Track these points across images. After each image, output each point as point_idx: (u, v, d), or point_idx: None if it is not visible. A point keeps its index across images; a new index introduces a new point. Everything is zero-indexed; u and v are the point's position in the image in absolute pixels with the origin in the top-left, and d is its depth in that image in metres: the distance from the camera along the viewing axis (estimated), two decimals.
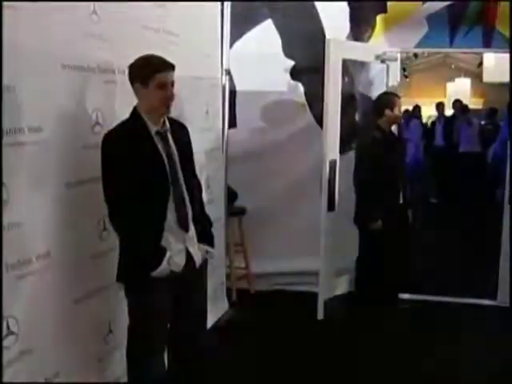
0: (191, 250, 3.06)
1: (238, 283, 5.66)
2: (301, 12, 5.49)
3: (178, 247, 3.00)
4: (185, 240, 3.03)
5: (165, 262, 2.90)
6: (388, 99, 5.08)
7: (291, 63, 5.67)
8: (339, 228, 5.16)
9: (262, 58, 5.49)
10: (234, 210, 5.57)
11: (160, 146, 2.97)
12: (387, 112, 5.01)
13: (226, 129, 5.22)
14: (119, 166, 2.84)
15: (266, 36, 5.58)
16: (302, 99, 5.73)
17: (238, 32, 5.40)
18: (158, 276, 2.89)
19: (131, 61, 3.00)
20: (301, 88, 5.75)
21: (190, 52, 4.25)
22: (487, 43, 5.69)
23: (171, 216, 2.96)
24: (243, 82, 5.62)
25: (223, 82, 5.12)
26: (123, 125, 2.97)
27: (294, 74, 5.71)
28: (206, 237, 3.18)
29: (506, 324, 5.00)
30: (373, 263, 5.06)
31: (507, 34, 5.53)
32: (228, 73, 5.23)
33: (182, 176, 3.02)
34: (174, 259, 2.96)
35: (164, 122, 3.02)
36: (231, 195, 5.55)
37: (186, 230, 3.03)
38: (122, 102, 3.24)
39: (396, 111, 5.04)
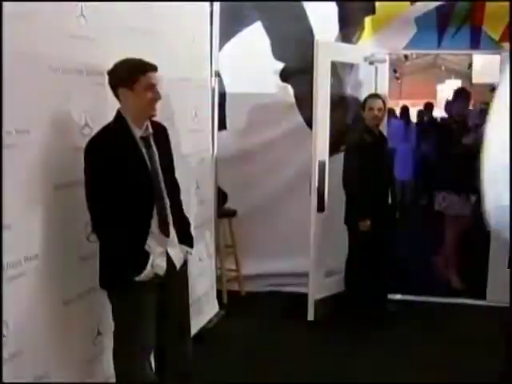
0: (171, 252, 3.08)
1: (229, 285, 5.67)
2: (290, 14, 5.51)
3: (159, 250, 3.02)
4: (165, 243, 3.05)
5: (149, 266, 2.92)
6: (372, 100, 5.12)
7: (280, 65, 5.69)
8: (329, 229, 5.18)
9: (251, 60, 5.52)
10: (224, 212, 5.57)
11: (144, 152, 2.98)
12: (371, 113, 5.05)
13: (216, 131, 5.23)
14: (104, 172, 2.84)
15: (255, 38, 5.60)
16: (292, 101, 5.75)
17: (227, 34, 5.41)
18: (142, 280, 2.91)
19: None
20: (290, 90, 5.77)
21: (179, 54, 4.26)
22: (475, 44, 5.72)
23: (153, 221, 2.97)
24: (233, 84, 5.64)
25: (212, 83, 5.13)
26: (107, 130, 2.96)
27: (284, 75, 5.73)
28: (185, 238, 3.20)
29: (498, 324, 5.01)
30: (361, 264, 5.10)
31: (494, 35, 5.57)
32: (217, 75, 5.24)
33: (163, 180, 3.04)
34: (156, 262, 2.97)
35: (147, 125, 3.03)
36: (221, 197, 5.56)
37: (167, 234, 3.05)
38: (111, 104, 3.24)
39: (378, 112, 5.08)
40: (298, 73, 5.63)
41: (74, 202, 3.04)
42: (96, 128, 3.09)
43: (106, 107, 3.26)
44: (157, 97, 2.97)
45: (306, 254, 5.14)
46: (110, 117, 3.08)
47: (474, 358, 4.31)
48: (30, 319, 2.77)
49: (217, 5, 5.10)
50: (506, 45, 5.46)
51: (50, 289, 2.92)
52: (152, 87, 2.95)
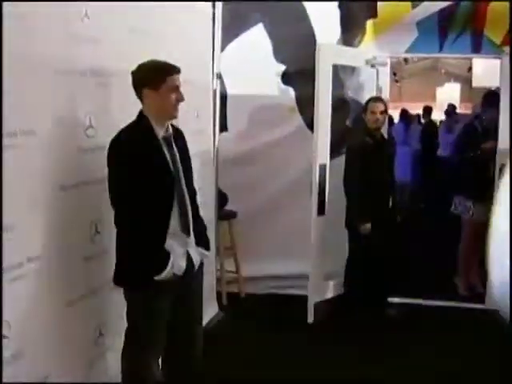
0: (191, 253, 3.11)
1: (229, 287, 5.67)
2: (292, 16, 5.51)
3: (180, 251, 3.04)
4: (186, 244, 3.08)
5: (169, 266, 2.94)
6: (374, 104, 5.13)
7: (282, 67, 5.70)
8: (330, 231, 5.18)
9: (253, 62, 5.52)
10: (224, 214, 5.58)
11: (166, 151, 3.01)
12: (373, 116, 5.06)
13: (217, 132, 5.23)
14: (128, 169, 2.88)
15: (257, 40, 5.60)
16: (293, 103, 5.75)
17: (229, 36, 5.42)
18: (161, 279, 2.92)
19: (123, 64, 3.01)
20: (292, 92, 5.78)
21: (181, 55, 4.24)
22: (476, 49, 5.73)
23: (174, 221, 3.01)
24: (234, 86, 5.64)
25: (214, 85, 5.13)
26: (131, 129, 3.00)
27: (285, 78, 5.73)
28: (202, 240, 3.22)
29: (496, 328, 5.03)
30: (362, 267, 5.10)
31: (496, 39, 5.59)
32: (219, 76, 5.25)
33: (184, 181, 3.07)
34: (177, 263, 2.99)
35: (167, 126, 3.07)
36: (221, 199, 5.57)
37: (188, 234, 3.08)
38: (115, 105, 3.25)
39: (379, 115, 5.09)
40: (299, 75, 5.62)
41: (77, 202, 3.05)
42: (101, 129, 3.09)
43: (111, 108, 3.27)
44: (180, 98, 3.03)
45: (306, 256, 5.14)
46: (114, 118, 3.09)
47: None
48: (32, 320, 2.76)
49: (219, 6, 5.11)
50: (507, 49, 5.47)
51: (52, 290, 2.92)
52: (176, 89, 3.01)
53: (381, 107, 5.11)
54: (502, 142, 5.33)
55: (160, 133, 3.02)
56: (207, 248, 3.25)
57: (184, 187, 3.07)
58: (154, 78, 2.97)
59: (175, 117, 3.07)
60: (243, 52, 5.55)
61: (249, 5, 5.54)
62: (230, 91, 5.64)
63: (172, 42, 3.98)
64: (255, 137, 5.84)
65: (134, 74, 3.02)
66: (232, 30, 5.43)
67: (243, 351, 4.50)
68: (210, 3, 4.95)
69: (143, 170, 2.89)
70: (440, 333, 4.97)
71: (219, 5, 5.11)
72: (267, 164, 5.77)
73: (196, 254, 3.15)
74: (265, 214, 5.79)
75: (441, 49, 5.71)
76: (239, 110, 5.70)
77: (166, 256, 2.94)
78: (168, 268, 2.93)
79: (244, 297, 5.79)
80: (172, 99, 2.99)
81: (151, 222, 2.91)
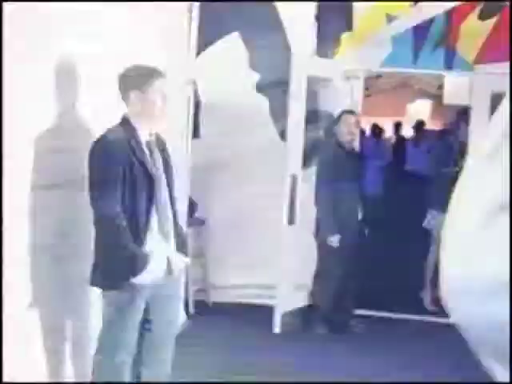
0: (171, 259, 3.09)
1: (196, 295, 5.62)
2: (268, 25, 5.51)
3: (159, 254, 3.03)
4: (166, 248, 3.08)
5: (147, 269, 2.92)
6: (347, 116, 5.17)
7: (257, 76, 5.69)
8: (300, 242, 5.18)
9: (227, 70, 5.51)
10: (193, 222, 5.53)
11: (147, 156, 3.02)
12: (346, 129, 5.09)
13: (190, 139, 5.20)
14: (108, 171, 2.89)
15: (232, 47, 5.58)
16: (266, 112, 5.75)
17: (204, 43, 5.38)
18: (139, 283, 2.91)
19: (97, 65, 2.97)
20: (266, 101, 5.77)
21: (155, 61, 4.21)
22: (448, 66, 5.81)
23: (154, 225, 3.01)
24: (208, 93, 5.62)
25: (188, 92, 5.10)
26: (114, 131, 3.00)
27: (260, 87, 5.73)
28: (182, 247, 3.23)
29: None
30: (329, 278, 5.11)
31: (468, 57, 5.66)
32: (193, 83, 5.21)
33: (165, 186, 3.08)
34: (155, 267, 2.98)
35: (151, 131, 3.08)
36: (191, 206, 5.52)
37: (168, 239, 3.08)
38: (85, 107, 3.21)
39: (353, 129, 5.13)
40: (274, 85, 5.63)
41: (49, 203, 3.01)
42: (70, 131, 3.05)
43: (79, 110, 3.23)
44: (165, 103, 3.06)
45: (275, 266, 5.13)
46: (84, 119, 3.05)
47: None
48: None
49: (195, 12, 5.06)
50: (479, 67, 5.55)
51: (17, 290, 2.87)
52: (162, 93, 3.04)
53: (354, 120, 5.15)
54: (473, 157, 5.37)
55: (143, 137, 3.03)
56: (186, 254, 3.27)
57: (165, 193, 3.07)
58: (142, 80, 3.00)
59: (160, 120, 3.10)
60: (218, 59, 5.52)
61: (225, 12, 5.52)
62: (203, 98, 5.61)
63: (145, 47, 3.94)
64: (227, 145, 5.81)
65: (121, 76, 3.04)
66: (207, 36, 5.40)
67: (208, 360, 4.45)
68: (186, 6, 4.90)
69: (124, 171, 2.90)
70: (402, 345, 4.99)
71: (195, 10, 5.06)
72: (238, 172, 5.75)
73: (176, 259, 3.14)
74: (235, 223, 5.76)
75: (414, 64, 5.77)
76: (212, 117, 5.67)
77: (145, 258, 2.93)
78: (146, 271, 2.92)
79: (212, 305, 5.74)
80: (157, 102, 3.02)
81: (130, 224, 2.91)
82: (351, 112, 5.28)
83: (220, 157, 5.77)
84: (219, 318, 5.41)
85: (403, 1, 5.26)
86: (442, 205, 5.71)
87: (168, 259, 3.07)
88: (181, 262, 3.18)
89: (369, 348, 4.87)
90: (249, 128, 5.76)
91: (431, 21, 5.49)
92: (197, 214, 5.67)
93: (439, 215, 5.81)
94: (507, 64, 5.13)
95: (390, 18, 5.40)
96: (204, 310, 5.59)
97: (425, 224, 6.00)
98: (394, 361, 4.62)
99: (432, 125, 15.35)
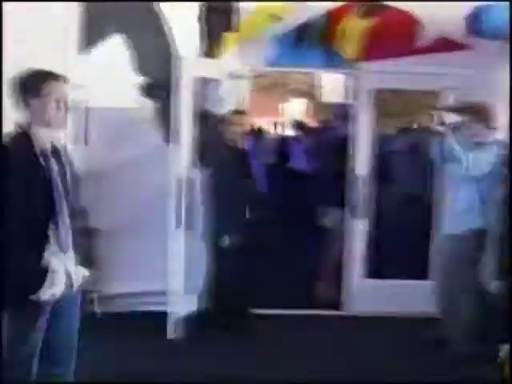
0: (71, 272, 2.98)
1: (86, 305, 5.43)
2: (152, 28, 5.43)
3: (58, 269, 2.89)
4: (66, 262, 2.94)
5: (46, 285, 2.80)
6: (234, 116, 5.20)
7: (141, 79, 5.59)
8: (190, 245, 5.17)
9: (111, 73, 5.37)
10: (84, 231, 5.33)
11: (43, 164, 2.85)
12: (232, 129, 5.13)
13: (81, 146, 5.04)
14: (2, 184, 2.70)
15: (115, 50, 5.45)
16: (152, 116, 5.66)
17: (86, 46, 5.21)
18: (38, 299, 2.79)
19: None
20: (150, 105, 5.68)
21: (37, 64, 4.03)
22: (327, 64, 5.98)
23: (54, 238, 2.87)
24: (92, 98, 5.44)
25: (71, 96, 4.90)
26: (8, 141, 2.83)
27: (144, 90, 5.64)
28: (87, 259, 3.13)
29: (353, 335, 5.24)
30: (221, 279, 5.13)
31: (346, 55, 5.85)
32: (75, 88, 5.02)
33: (65, 198, 2.94)
34: (54, 282, 2.85)
35: (50, 139, 2.92)
36: (83, 215, 5.32)
37: (67, 252, 2.94)
38: None
39: (239, 128, 5.18)
40: (158, 87, 5.55)
41: None
42: None
43: None
44: (65, 108, 2.90)
45: (166, 271, 5.10)
46: None
47: None
48: None
49: (75, 16, 4.87)
50: (359, 65, 5.74)
51: None
52: (61, 97, 2.88)
53: (240, 120, 5.20)
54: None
55: (40, 145, 2.87)
56: (93, 267, 3.15)
57: (64, 203, 2.93)
58: (37, 83, 2.84)
59: (60, 127, 2.94)
60: (101, 62, 5.37)
61: (106, 14, 5.38)
62: (87, 103, 5.43)
63: (30, 49, 3.77)
64: (114, 150, 5.67)
65: (14, 81, 2.87)
66: (89, 39, 5.23)
67: (102, 366, 4.35)
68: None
69: (18, 185, 2.73)
70: (299, 341, 5.08)
71: (74, 12, 4.87)
72: (125, 178, 5.62)
73: (77, 273, 3.03)
74: (125, 230, 5.63)
75: (293, 63, 5.90)
76: (98, 122, 5.51)
77: (43, 274, 2.80)
78: (45, 287, 2.80)
79: (101, 316, 5.56)
80: (55, 107, 2.86)
81: (27, 239, 2.76)
82: (238, 112, 5.33)
83: (106, 163, 5.61)
84: (111, 327, 5.25)
85: (285, 1, 5.36)
86: (331, 200, 6.00)
87: (67, 272, 2.95)
88: (81, 274, 3.07)
89: (267, 347, 4.93)
90: (134, 132, 5.66)
91: (312, 21, 5.61)
92: (88, 223, 5.48)
93: (331, 211, 5.98)
94: (388, 62, 5.39)
95: (273, 19, 5.47)
96: (93, 321, 5.40)
97: (319, 221, 6.11)
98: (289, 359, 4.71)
99: (311, 122, 15.79)
